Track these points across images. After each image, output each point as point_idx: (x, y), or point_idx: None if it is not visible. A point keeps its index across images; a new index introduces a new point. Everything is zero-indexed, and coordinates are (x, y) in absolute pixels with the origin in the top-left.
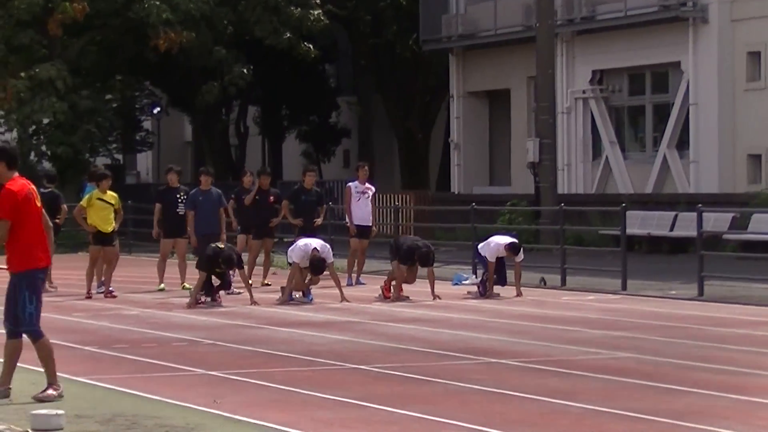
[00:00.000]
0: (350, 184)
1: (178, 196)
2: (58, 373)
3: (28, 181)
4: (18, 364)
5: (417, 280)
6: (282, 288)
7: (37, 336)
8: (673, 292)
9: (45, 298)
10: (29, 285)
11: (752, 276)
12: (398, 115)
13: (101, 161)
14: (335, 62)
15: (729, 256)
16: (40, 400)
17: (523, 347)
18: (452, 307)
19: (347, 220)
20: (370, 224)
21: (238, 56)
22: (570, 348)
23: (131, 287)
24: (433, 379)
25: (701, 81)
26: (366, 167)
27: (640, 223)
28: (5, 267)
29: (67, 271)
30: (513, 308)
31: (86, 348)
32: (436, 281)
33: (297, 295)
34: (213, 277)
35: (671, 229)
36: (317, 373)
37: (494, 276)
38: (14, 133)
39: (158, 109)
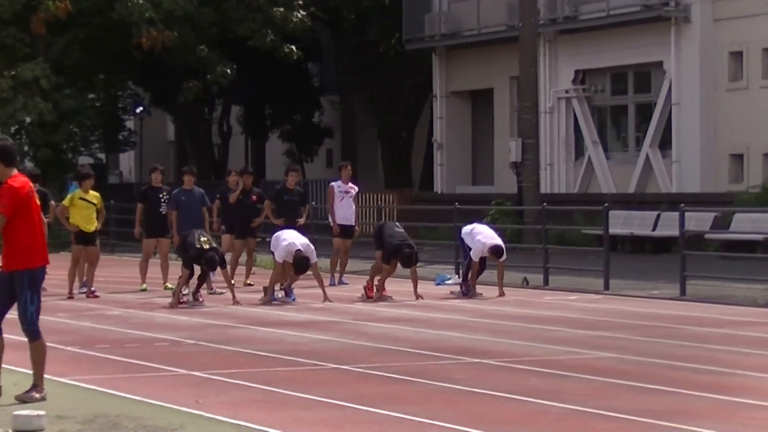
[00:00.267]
0: (333, 183)
1: (160, 195)
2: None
3: (28, 179)
4: (3, 366)
5: (399, 279)
6: (264, 288)
7: (36, 336)
8: (656, 291)
9: None
10: (30, 284)
11: (734, 276)
12: (381, 114)
13: (84, 160)
14: (318, 61)
15: (711, 255)
16: (23, 400)
17: (505, 347)
18: (435, 306)
19: (330, 219)
20: (353, 224)
21: (220, 56)
22: (552, 348)
23: (114, 287)
24: (416, 379)
25: (683, 81)
26: (349, 167)
27: (622, 223)
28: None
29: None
30: (495, 308)
31: (68, 348)
32: (419, 281)
33: (279, 295)
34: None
35: (654, 229)
36: (299, 373)
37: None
38: None
39: (141, 108)
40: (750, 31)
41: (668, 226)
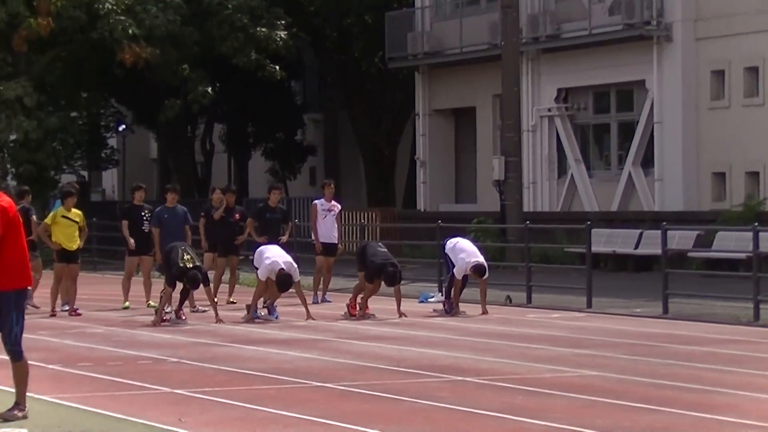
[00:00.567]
0: (316, 201)
1: (142, 213)
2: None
3: (11, 199)
4: None
5: (382, 297)
6: (247, 306)
7: (19, 356)
8: (638, 309)
9: None
10: (17, 305)
11: (717, 294)
12: (364, 132)
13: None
14: (301, 79)
15: (694, 273)
16: (5, 419)
17: (488, 365)
18: (418, 324)
19: (313, 237)
20: (336, 242)
21: (202, 74)
22: (535, 366)
23: (96, 305)
24: (399, 397)
25: (666, 99)
26: (332, 185)
27: (605, 241)
28: None
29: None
30: (478, 326)
31: (50, 366)
32: (402, 299)
33: (262, 313)
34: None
35: (636, 247)
36: (282, 391)
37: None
38: None
39: (123, 126)
40: (732, 50)
41: (651, 244)
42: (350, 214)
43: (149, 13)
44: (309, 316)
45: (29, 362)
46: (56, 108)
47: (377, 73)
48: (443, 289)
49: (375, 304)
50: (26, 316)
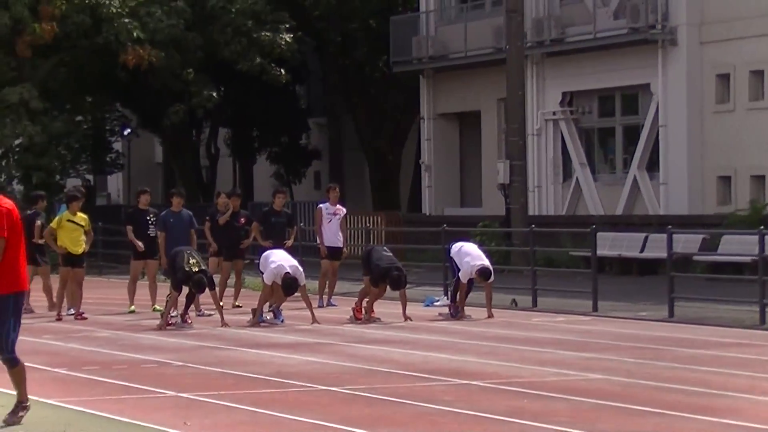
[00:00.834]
0: (321, 205)
1: (148, 218)
2: (28, 396)
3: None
4: None
5: (388, 301)
6: (253, 310)
7: (15, 363)
8: (644, 313)
9: None
10: (15, 309)
11: (722, 297)
12: (369, 136)
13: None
14: (305, 83)
15: (699, 277)
16: (12, 423)
17: (493, 368)
18: (423, 328)
19: (318, 241)
20: (341, 245)
21: (206, 79)
22: (540, 369)
23: (102, 309)
24: (403, 401)
25: (670, 103)
26: (337, 189)
27: (610, 245)
28: None
29: (37, 293)
30: (484, 329)
31: (56, 370)
32: (407, 303)
33: (268, 317)
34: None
35: (641, 251)
36: (287, 394)
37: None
38: None
39: (128, 130)
40: (737, 53)
41: (656, 247)
42: (355, 218)
43: (153, 17)
44: (314, 320)
45: (34, 365)
46: (61, 112)
47: (381, 77)
48: (449, 293)
49: (380, 307)
50: (32, 320)
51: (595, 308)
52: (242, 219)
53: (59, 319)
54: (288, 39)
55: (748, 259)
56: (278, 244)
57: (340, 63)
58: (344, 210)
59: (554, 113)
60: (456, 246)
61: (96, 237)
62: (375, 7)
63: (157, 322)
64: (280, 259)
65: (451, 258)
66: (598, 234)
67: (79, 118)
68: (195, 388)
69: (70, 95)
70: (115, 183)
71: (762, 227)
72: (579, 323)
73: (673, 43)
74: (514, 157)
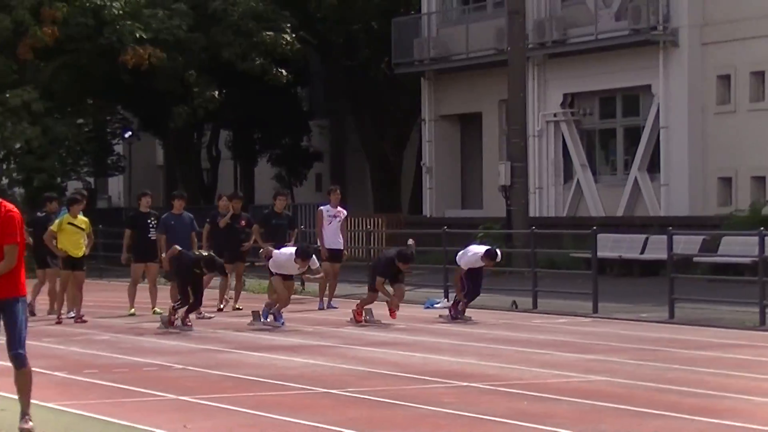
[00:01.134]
0: (322, 207)
1: (149, 221)
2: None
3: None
4: None
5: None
6: (253, 312)
7: (24, 361)
8: (644, 314)
9: None
10: (24, 309)
11: (723, 299)
12: (370, 138)
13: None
14: (307, 85)
15: (700, 278)
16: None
17: (494, 370)
18: (424, 330)
19: (319, 243)
20: (342, 248)
21: (209, 80)
22: (541, 371)
23: (102, 312)
24: (405, 403)
25: (672, 104)
26: (338, 191)
27: (611, 246)
28: None
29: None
30: (484, 331)
31: (56, 373)
32: (407, 304)
33: (269, 319)
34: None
35: (642, 252)
36: (287, 397)
37: (468, 287)
38: None
39: (130, 133)
40: (738, 54)
41: (657, 249)
42: (356, 220)
43: (156, 18)
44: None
45: (34, 369)
46: (63, 115)
47: (384, 79)
48: (449, 295)
49: (379, 310)
50: (32, 323)
51: (595, 310)
52: (243, 221)
53: (59, 322)
54: (290, 38)
55: (748, 260)
56: (279, 246)
57: (343, 65)
58: (345, 212)
59: (555, 115)
60: (461, 252)
61: (97, 240)
62: (377, 9)
63: (158, 325)
64: (287, 250)
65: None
66: (599, 235)
67: (81, 120)
68: (195, 390)
69: (71, 98)
70: (116, 186)
71: (762, 228)
72: (580, 325)
73: (674, 44)
74: (515, 158)
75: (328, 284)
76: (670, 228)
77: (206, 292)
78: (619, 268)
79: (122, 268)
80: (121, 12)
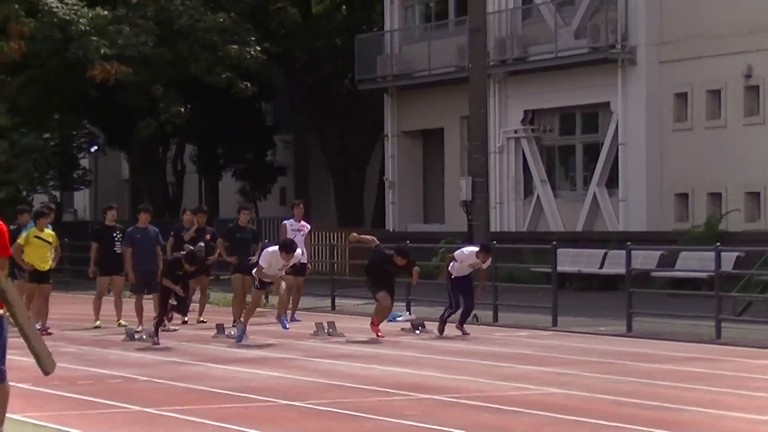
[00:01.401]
0: (286, 221)
1: (114, 234)
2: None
3: None
4: None
5: (351, 316)
6: (218, 325)
7: (3, 378)
8: (603, 328)
9: None
10: (4, 326)
11: (680, 312)
12: (334, 153)
13: (41, 198)
14: (271, 100)
15: (657, 293)
16: None
17: (455, 383)
18: (386, 343)
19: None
20: (306, 261)
21: (175, 95)
22: (501, 384)
23: (67, 324)
24: (365, 415)
25: (630, 121)
26: (301, 205)
27: (570, 261)
28: None
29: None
30: (445, 344)
31: (21, 385)
32: (369, 317)
33: (233, 332)
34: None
35: (601, 267)
36: (251, 409)
37: (455, 299)
38: None
39: (95, 147)
40: (694, 73)
41: (615, 264)
42: (320, 234)
43: (122, 34)
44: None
45: None
46: (29, 129)
47: (347, 94)
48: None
49: (343, 323)
50: None
51: (555, 323)
52: (208, 235)
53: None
54: (254, 52)
55: (704, 275)
56: (243, 260)
57: (306, 80)
58: (309, 226)
59: (516, 131)
60: (453, 265)
61: (62, 253)
62: (340, 26)
63: (122, 337)
64: (275, 247)
65: (451, 282)
66: (559, 250)
67: (47, 135)
68: (160, 402)
69: (38, 112)
70: (82, 199)
71: (718, 244)
72: (539, 338)
73: (632, 62)
74: (476, 174)
75: (291, 297)
76: (629, 243)
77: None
78: (578, 282)
79: (88, 281)
80: (87, 28)
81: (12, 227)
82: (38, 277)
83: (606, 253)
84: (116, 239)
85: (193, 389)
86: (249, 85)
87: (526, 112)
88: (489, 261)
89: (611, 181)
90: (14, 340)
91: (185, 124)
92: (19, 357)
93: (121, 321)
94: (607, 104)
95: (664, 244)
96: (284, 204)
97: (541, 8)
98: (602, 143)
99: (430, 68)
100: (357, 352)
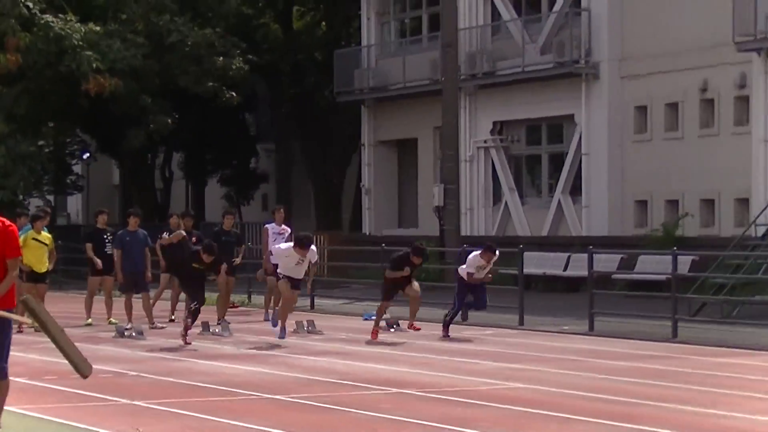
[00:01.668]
0: (268, 225)
1: (105, 236)
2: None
3: None
4: None
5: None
6: (203, 323)
7: (5, 375)
8: (566, 327)
9: None
10: (9, 322)
11: (638, 313)
12: (314, 161)
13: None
14: (255, 111)
15: (618, 294)
16: None
17: (428, 378)
18: (363, 340)
19: (264, 259)
20: None
21: (163, 105)
22: (471, 379)
23: (61, 322)
24: (344, 409)
25: (593, 133)
26: (282, 210)
27: (536, 264)
28: None
29: None
30: (419, 342)
31: (17, 380)
32: (347, 316)
33: (217, 330)
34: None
35: (565, 269)
36: (234, 402)
37: (461, 299)
38: None
39: (88, 154)
40: (654, 87)
41: (578, 266)
42: None
43: (113, 48)
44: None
45: None
46: (25, 137)
47: (327, 105)
48: (444, 320)
49: (322, 321)
50: None
51: (521, 322)
52: (194, 238)
53: (20, 331)
54: (239, 64)
55: (662, 277)
56: (227, 262)
57: (288, 92)
58: (289, 230)
59: (486, 141)
60: (461, 268)
61: (57, 255)
62: (320, 41)
63: (112, 334)
64: (288, 244)
65: (458, 282)
66: (525, 253)
67: (42, 142)
68: (148, 396)
69: (33, 121)
70: (74, 204)
71: (675, 248)
72: (507, 336)
73: (595, 77)
74: (448, 181)
75: (273, 297)
76: (591, 247)
77: (158, 304)
78: (543, 283)
79: (80, 281)
80: (80, 42)
81: None
82: (35, 277)
83: (570, 257)
84: (107, 241)
85: (179, 383)
86: (234, 94)
87: (495, 123)
88: (495, 259)
89: (575, 189)
90: (15, 336)
91: (173, 133)
92: (16, 353)
93: (111, 319)
94: (571, 116)
95: (624, 248)
96: (266, 209)
97: (509, 25)
98: (567, 153)
99: (405, 81)
100: (335, 348)
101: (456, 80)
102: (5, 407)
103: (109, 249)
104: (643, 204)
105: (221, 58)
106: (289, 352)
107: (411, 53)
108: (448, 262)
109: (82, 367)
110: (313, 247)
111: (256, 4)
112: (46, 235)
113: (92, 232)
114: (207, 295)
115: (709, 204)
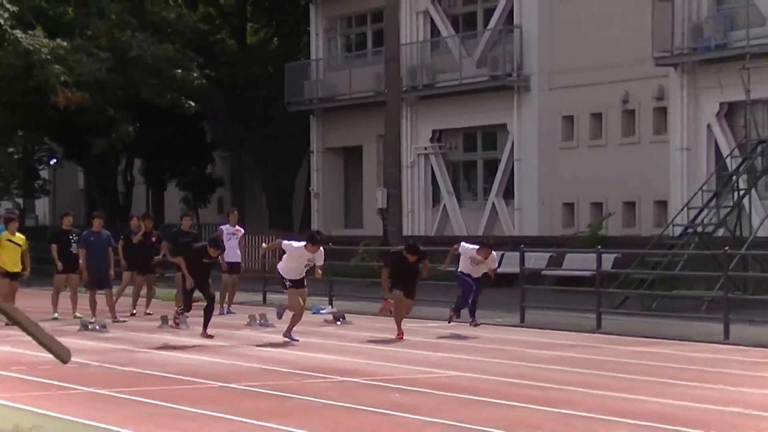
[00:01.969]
0: (223, 226)
1: (71, 237)
2: None
3: None
4: None
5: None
6: (162, 316)
7: None
8: (499, 319)
9: None
10: None
11: (566, 306)
12: (267, 166)
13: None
14: (211, 120)
15: (547, 289)
16: None
17: (371, 367)
18: (311, 332)
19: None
20: (239, 261)
21: (126, 115)
22: (411, 368)
23: (30, 316)
24: (293, 395)
25: (524, 140)
26: (235, 212)
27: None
28: None
29: None
30: (363, 334)
31: None
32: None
33: (183, 327)
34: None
35: (498, 266)
36: (190, 390)
37: (465, 291)
38: None
39: (55, 160)
40: (580, 99)
41: (511, 263)
42: (253, 237)
43: (80, 62)
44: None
45: None
46: None
47: (278, 115)
48: (451, 306)
49: (272, 315)
50: None
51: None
52: (154, 238)
53: None
54: (197, 76)
55: (588, 273)
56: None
57: (243, 102)
58: (242, 230)
59: (425, 148)
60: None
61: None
62: (272, 55)
63: (77, 327)
64: (300, 242)
65: (459, 275)
66: None
67: (11, 149)
68: (111, 385)
69: (4, 130)
70: (42, 206)
71: (599, 247)
72: (445, 328)
73: (526, 89)
74: (391, 185)
75: (227, 293)
76: (522, 246)
77: (120, 299)
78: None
79: (47, 278)
80: (48, 57)
81: None
82: (10, 275)
83: (503, 255)
84: (72, 241)
85: (140, 373)
86: (193, 104)
87: (434, 131)
88: (493, 256)
89: (508, 192)
90: None
91: (135, 141)
92: None
93: (76, 313)
94: (504, 125)
95: (553, 247)
96: (222, 212)
97: (447, 41)
98: (500, 159)
99: (351, 93)
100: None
101: (398, 92)
102: None
103: (74, 249)
104: (570, 206)
105: (180, 71)
106: (243, 343)
107: (356, 66)
108: None
109: (59, 352)
110: (321, 248)
111: (213, 21)
112: (20, 236)
113: (58, 233)
114: (167, 291)
115: (630, 206)
